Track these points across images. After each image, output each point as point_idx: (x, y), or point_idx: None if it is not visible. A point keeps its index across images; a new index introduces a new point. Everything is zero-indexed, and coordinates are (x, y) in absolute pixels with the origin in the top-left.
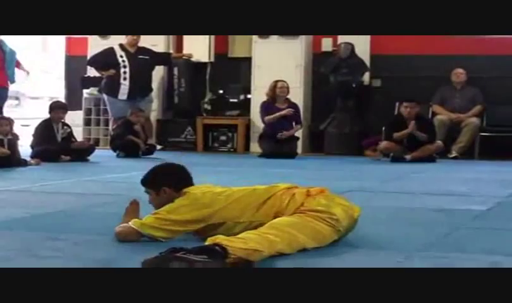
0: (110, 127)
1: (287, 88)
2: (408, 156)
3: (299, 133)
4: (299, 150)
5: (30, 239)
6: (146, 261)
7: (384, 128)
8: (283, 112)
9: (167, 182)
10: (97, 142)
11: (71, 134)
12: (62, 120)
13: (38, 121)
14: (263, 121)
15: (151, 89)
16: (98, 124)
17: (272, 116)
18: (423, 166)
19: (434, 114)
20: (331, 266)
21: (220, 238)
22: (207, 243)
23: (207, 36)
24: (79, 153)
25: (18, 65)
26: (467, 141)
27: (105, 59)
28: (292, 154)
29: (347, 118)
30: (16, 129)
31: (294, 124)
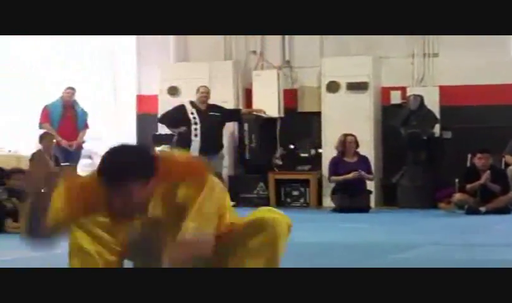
0: None
1: (356, 141)
2: (482, 208)
3: (371, 186)
4: (372, 204)
5: None
6: None
7: (457, 180)
8: (349, 176)
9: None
10: None
11: None
12: None
13: None
14: (329, 180)
15: (222, 146)
16: None
17: (336, 178)
18: (499, 218)
19: (507, 165)
20: None
21: None
22: None
23: (276, 91)
24: None
25: (86, 127)
26: None
27: (176, 116)
28: (365, 208)
29: (419, 170)
30: None
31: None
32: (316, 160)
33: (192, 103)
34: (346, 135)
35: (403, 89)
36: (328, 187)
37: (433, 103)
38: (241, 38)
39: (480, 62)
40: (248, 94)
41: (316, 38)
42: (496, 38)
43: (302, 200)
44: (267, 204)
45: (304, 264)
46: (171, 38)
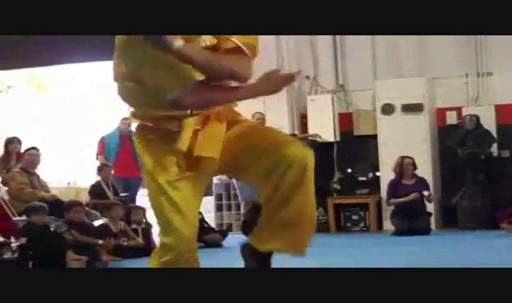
0: (241, 212)
1: (414, 163)
2: None
3: (431, 208)
4: (432, 226)
5: None
6: None
7: None
8: (410, 197)
9: None
10: (229, 227)
11: (202, 220)
12: None
13: None
14: (387, 203)
15: None
16: (229, 209)
17: (395, 200)
18: None
19: None
20: None
21: None
22: None
23: (331, 115)
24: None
25: None
26: None
27: None
28: (426, 231)
29: (478, 191)
30: (149, 217)
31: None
32: (375, 183)
33: None
34: (403, 157)
35: (458, 110)
36: (388, 210)
37: (489, 122)
38: (294, 63)
39: None
40: (303, 119)
41: (368, 60)
42: None
43: (362, 224)
44: (327, 230)
45: None
46: None
